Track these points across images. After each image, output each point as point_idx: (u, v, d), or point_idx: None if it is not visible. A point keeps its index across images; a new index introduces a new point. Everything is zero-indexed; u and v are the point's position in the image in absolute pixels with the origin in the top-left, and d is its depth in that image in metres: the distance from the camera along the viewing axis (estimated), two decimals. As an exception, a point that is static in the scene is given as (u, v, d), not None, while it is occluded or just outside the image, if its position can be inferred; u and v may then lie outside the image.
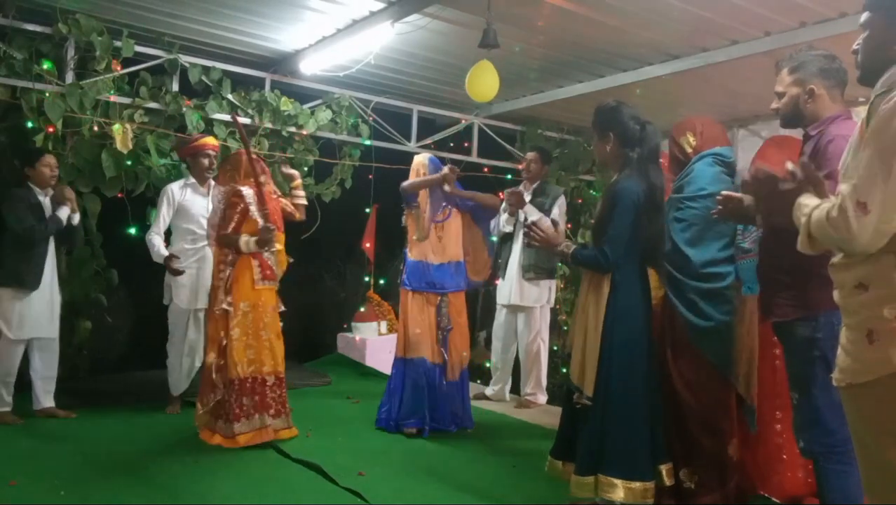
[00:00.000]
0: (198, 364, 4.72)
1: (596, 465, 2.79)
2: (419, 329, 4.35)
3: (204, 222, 4.56)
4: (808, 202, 1.72)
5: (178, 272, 4.55)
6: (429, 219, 4.43)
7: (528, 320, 5.28)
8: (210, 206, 4.60)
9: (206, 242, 4.57)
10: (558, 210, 5.16)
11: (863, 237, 1.56)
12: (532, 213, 4.98)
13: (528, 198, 5.19)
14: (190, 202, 4.66)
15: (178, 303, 4.67)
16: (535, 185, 5.28)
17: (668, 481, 2.84)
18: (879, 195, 1.53)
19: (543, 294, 5.28)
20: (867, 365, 1.61)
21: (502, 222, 5.32)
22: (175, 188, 4.68)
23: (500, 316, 5.43)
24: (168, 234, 4.76)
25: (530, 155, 5.38)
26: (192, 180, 4.72)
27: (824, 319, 2.30)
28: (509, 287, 5.28)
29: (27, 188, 4.24)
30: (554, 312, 7.15)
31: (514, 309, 5.33)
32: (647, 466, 2.79)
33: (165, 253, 4.57)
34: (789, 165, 1.83)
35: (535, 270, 5.18)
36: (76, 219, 4.43)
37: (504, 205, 5.16)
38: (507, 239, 5.33)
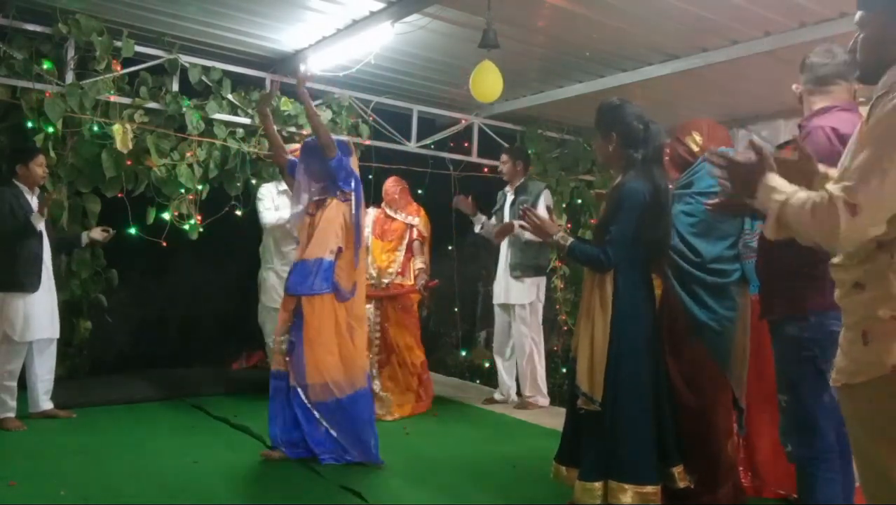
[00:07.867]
0: None
1: (605, 471, 2.75)
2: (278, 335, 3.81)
3: (289, 226, 4.75)
4: (782, 187, 1.64)
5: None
6: (301, 208, 3.88)
7: (517, 319, 5.29)
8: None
9: (293, 247, 4.74)
10: (544, 204, 5.21)
11: (850, 238, 1.53)
12: (478, 223, 5.34)
13: (510, 198, 5.32)
14: (282, 206, 4.96)
15: (264, 301, 5.04)
16: (516, 186, 5.36)
17: (681, 484, 2.80)
18: (872, 198, 1.49)
19: (531, 292, 5.30)
20: (861, 366, 1.59)
21: (476, 228, 5.49)
22: (274, 190, 5.05)
23: (498, 317, 5.49)
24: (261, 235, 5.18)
25: (502, 158, 5.48)
26: (284, 187, 4.85)
27: (815, 320, 2.27)
28: (499, 286, 5.36)
29: (14, 187, 4.14)
30: (553, 311, 7.17)
31: (505, 308, 5.39)
32: (655, 468, 2.77)
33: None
34: (754, 138, 1.76)
35: (522, 267, 5.23)
36: (84, 239, 4.47)
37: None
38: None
